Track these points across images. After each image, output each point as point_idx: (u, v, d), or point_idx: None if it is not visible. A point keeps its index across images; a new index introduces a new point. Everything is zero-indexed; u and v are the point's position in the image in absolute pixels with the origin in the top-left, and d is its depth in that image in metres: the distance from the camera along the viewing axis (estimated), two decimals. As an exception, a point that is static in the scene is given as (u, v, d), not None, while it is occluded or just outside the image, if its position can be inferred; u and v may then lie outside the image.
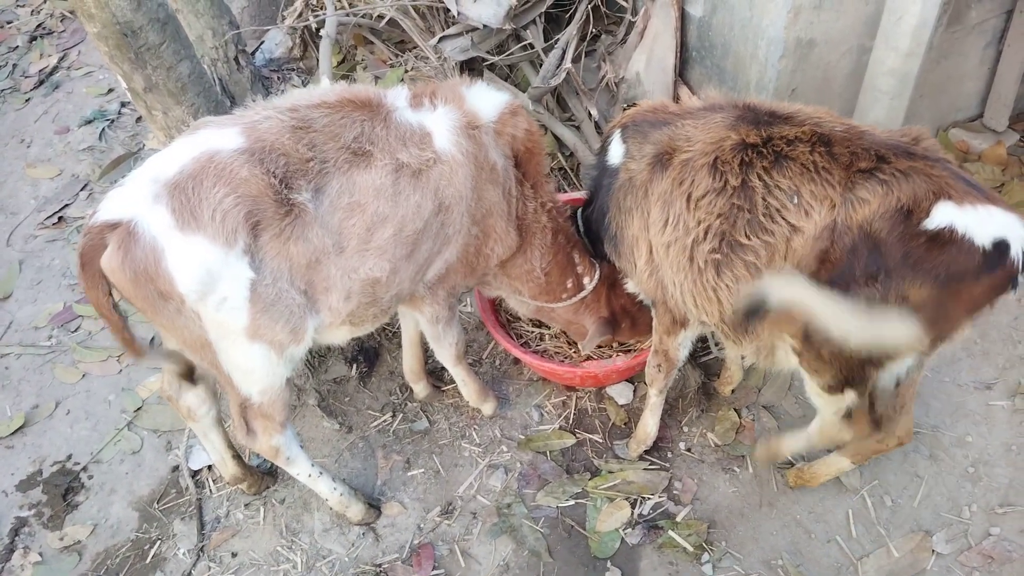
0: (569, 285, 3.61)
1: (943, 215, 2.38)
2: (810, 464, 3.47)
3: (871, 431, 3.02)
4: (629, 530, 3.49)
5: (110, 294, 2.64)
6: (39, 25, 7.14)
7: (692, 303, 2.97)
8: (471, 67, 4.97)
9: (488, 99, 3.13)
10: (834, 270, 2.54)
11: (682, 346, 3.36)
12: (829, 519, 3.45)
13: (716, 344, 4.02)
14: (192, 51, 3.60)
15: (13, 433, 4.12)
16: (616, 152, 3.11)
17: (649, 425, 3.65)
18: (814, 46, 3.93)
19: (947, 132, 4.72)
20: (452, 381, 3.96)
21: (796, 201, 2.58)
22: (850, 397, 2.83)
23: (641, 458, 3.72)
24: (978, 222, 2.36)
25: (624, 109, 4.84)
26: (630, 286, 3.41)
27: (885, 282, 2.46)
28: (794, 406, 3.83)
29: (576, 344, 3.98)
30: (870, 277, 2.48)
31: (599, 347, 3.93)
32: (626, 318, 3.75)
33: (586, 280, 3.63)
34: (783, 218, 2.60)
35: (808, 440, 3.23)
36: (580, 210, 3.64)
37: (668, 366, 3.43)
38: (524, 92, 4.71)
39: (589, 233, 3.55)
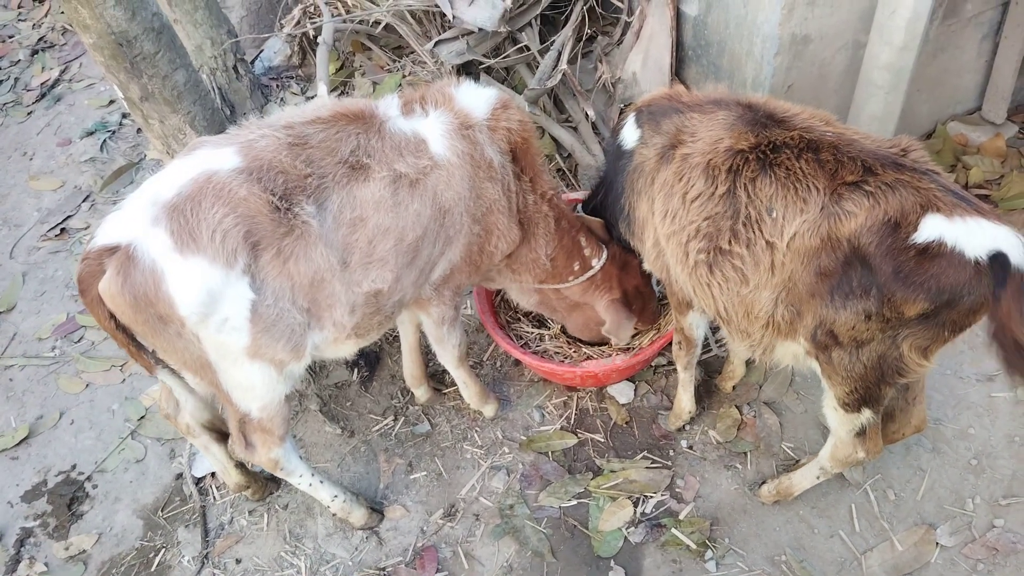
0: (576, 267, 3.60)
1: (932, 228, 2.36)
2: (788, 475, 3.44)
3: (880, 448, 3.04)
4: (632, 529, 3.49)
5: (113, 316, 2.62)
6: (41, 39, 7.19)
7: (692, 292, 3.01)
8: (468, 71, 4.98)
9: (478, 97, 3.14)
10: (831, 282, 2.55)
11: (695, 326, 3.38)
12: (832, 514, 3.44)
13: (717, 342, 4.02)
14: (188, 60, 3.64)
15: (18, 444, 4.14)
16: (631, 135, 3.12)
17: (683, 401, 3.70)
18: (809, 42, 3.93)
19: (945, 126, 4.71)
20: (453, 384, 3.97)
21: (774, 215, 2.59)
22: (866, 415, 2.84)
23: (643, 457, 3.72)
24: (968, 234, 2.34)
25: (621, 110, 4.86)
26: (645, 264, 3.43)
27: (878, 296, 2.46)
28: (795, 402, 3.82)
29: (576, 344, 3.98)
30: (864, 291, 2.48)
31: (597, 345, 3.93)
32: (638, 299, 3.74)
33: (594, 261, 3.61)
34: (760, 231, 2.62)
35: (820, 468, 3.23)
36: (587, 199, 3.67)
37: (687, 344, 3.48)
38: (520, 94, 4.72)
39: (602, 217, 3.56)
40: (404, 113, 3.01)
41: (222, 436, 3.39)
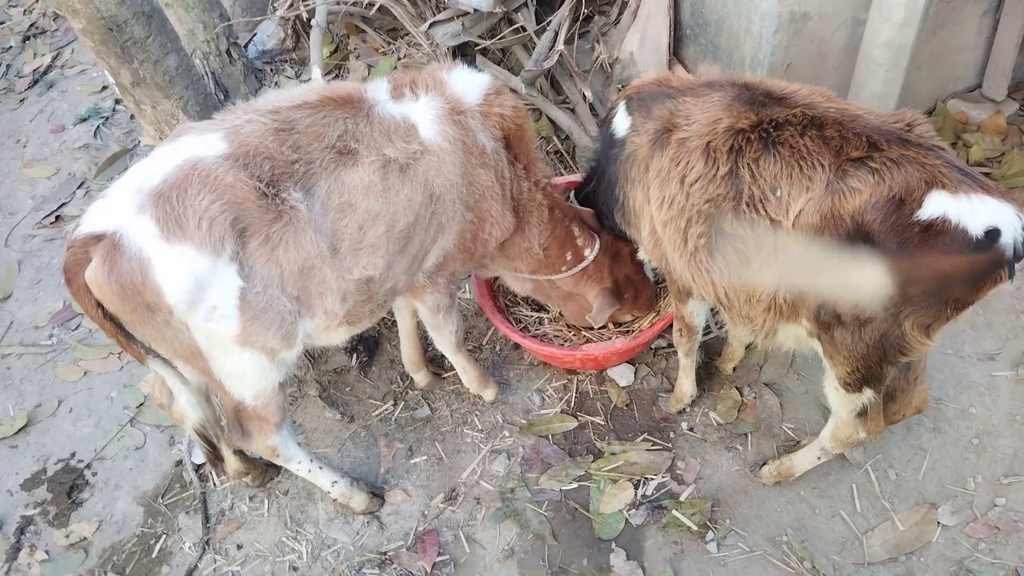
0: (568, 257, 3.58)
1: (936, 205, 2.33)
2: (789, 455, 3.44)
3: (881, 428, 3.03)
4: (633, 511, 3.48)
5: (100, 305, 2.59)
6: (32, 25, 7.13)
7: (691, 279, 2.97)
8: (463, 52, 4.94)
9: (470, 82, 3.09)
10: None
11: (695, 313, 3.37)
12: (833, 494, 3.44)
13: (718, 324, 4.00)
14: (179, 44, 3.59)
15: (16, 433, 4.13)
16: (622, 123, 3.09)
17: (684, 385, 3.71)
18: (808, 20, 3.89)
19: (945, 103, 4.67)
20: (452, 368, 3.95)
21: (778, 194, 2.56)
22: (867, 395, 2.82)
23: (644, 439, 3.72)
24: (972, 211, 2.31)
25: (619, 90, 4.82)
26: (641, 254, 3.43)
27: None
28: (796, 383, 3.81)
29: (576, 327, 3.96)
30: None
31: (600, 328, 3.91)
32: (629, 288, 3.73)
33: (587, 251, 3.59)
34: (764, 210, 2.59)
35: (821, 448, 3.22)
36: (579, 187, 3.64)
37: (688, 331, 3.46)
38: (517, 76, 4.68)
39: (594, 206, 3.55)
40: (394, 97, 2.97)
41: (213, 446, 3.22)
